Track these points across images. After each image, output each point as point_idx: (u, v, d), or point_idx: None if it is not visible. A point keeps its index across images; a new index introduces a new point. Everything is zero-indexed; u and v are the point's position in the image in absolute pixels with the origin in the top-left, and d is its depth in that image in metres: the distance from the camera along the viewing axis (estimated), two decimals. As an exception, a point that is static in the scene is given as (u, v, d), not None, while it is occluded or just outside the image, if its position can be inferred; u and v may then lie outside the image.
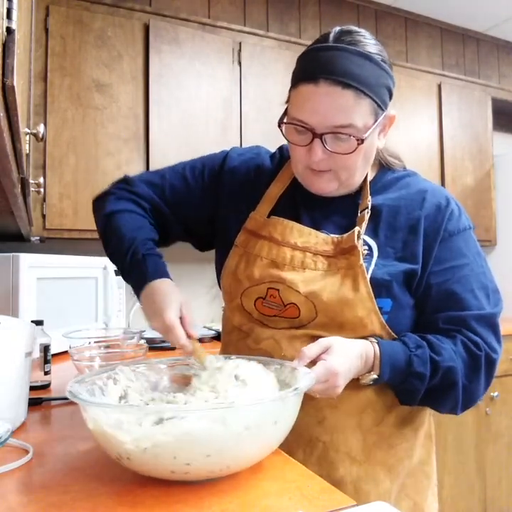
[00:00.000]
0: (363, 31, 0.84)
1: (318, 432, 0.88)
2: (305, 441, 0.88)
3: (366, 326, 0.84)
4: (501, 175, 3.10)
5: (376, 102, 0.81)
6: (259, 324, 0.91)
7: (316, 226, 0.91)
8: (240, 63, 2.31)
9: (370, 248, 0.86)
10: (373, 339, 0.83)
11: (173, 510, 0.58)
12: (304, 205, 0.94)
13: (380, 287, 0.84)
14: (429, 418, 0.98)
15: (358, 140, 0.81)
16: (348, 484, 0.86)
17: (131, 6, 2.12)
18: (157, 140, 2.12)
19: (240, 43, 2.32)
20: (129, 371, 0.82)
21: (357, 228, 0.86)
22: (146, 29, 2.12)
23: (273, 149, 1.04)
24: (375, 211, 0.89)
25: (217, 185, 0.99)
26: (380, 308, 0.84)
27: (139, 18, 2.12)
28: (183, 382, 0.84)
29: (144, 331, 1.44)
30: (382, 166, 0.97)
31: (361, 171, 0.88)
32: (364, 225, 0.87)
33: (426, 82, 2.85)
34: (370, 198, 0.89)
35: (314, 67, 0.80)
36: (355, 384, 0.83)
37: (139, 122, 2.10)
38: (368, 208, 0.88)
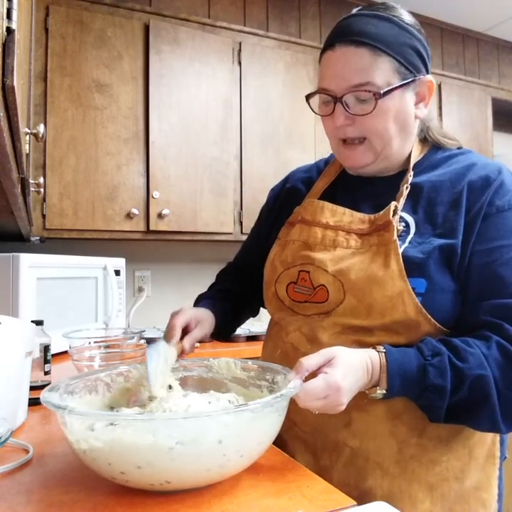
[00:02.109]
0: (389, 4, 0.84)
1: (344, 436, 0.81)
2: (331, 444, 0.82)
3: (396, 307, 0.76)
4: (501, 175, 3.09)
5: (398, 60, 0.78)
6: (289, 312, 0.89)
7: (356, 207, 0.87)
8: (239, 63, 2.31)
9: (407, 225, 0.81)
10: (381, 348, 0.74)
11: (172, 510, 0.58)
12: (343, 188, 0.92)
13: (411, 265, 0.76)
14: (492, 436, 0.85)
15: (375, 94, 0.77)
16: (378, 498, 0.78)
17: (131, 6, 2.12)
18: (157, 140, 2.12)
19: (240, 43, 2.31)
20: (144, 369, 0.82)
21: (393, 203, 0.80)
22: (146, 29, 2.12)
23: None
24: (417, 187, 0.83)
25: (260, 224, 1.09)
26: (413, 289, 0.76)
27: (139, 18, 2.12)
28: (198, 385, 0.84)
29: (144, 330, 1.43)
30: (435, 147, 0.91)
31: (398, 141, 0.83)
32: (402, 200, 0.81)
33: (426, 82, 2.85)
34: (411, 173, 0.84)
35: (332, 36, 0.82)
36: None
37: (139, 122, 2.10)
38: (407, 183, 0.83)
